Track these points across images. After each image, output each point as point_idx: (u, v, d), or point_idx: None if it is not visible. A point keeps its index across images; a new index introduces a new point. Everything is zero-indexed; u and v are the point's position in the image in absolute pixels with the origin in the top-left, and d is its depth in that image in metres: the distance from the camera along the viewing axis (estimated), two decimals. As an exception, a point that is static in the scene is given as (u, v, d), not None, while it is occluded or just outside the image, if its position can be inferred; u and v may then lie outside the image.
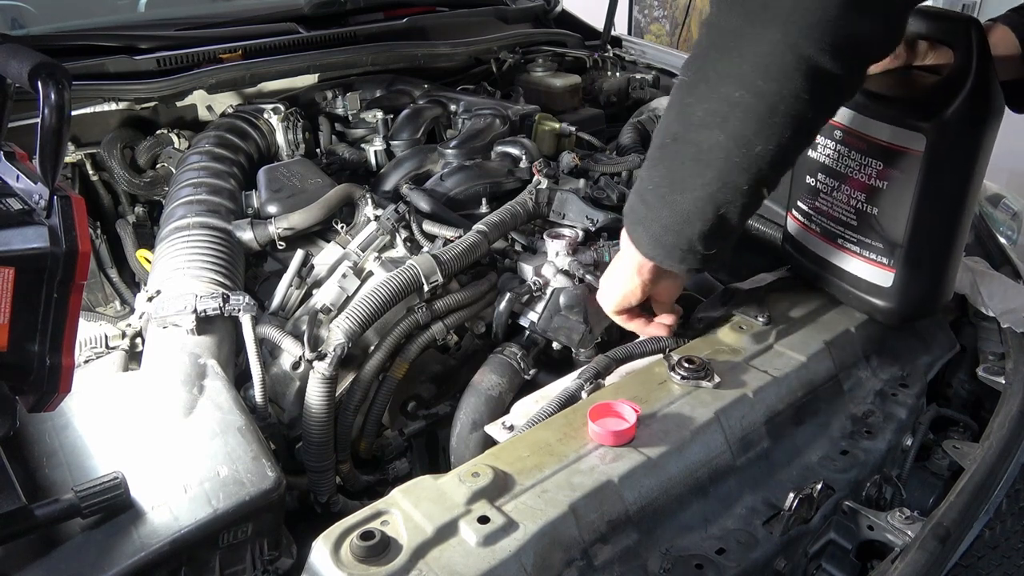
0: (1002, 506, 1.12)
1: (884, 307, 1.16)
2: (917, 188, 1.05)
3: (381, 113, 1.85)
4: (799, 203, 1.24)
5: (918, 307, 1.17)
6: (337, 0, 2.08)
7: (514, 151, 1.66)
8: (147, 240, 1.62)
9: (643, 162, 1.01)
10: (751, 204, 0.93)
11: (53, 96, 0.71)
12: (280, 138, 1.75)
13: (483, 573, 0.77)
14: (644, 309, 1.17)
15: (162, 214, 1.47)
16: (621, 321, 1.17)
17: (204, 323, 1.14)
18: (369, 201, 1.46)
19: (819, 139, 1.15)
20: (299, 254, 1.35)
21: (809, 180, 1.20)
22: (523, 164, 1.63)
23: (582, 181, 1.53)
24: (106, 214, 1.74)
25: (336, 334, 1.18)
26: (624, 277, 1.09)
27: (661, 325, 1.17)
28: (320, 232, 1.49)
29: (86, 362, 1.14)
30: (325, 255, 1.40)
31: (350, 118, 1.91)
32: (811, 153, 1.18)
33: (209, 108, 1.84)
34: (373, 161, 1.79)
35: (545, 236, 1.35)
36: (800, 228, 1.26)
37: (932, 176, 1.03)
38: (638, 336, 1.28)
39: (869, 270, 1.15)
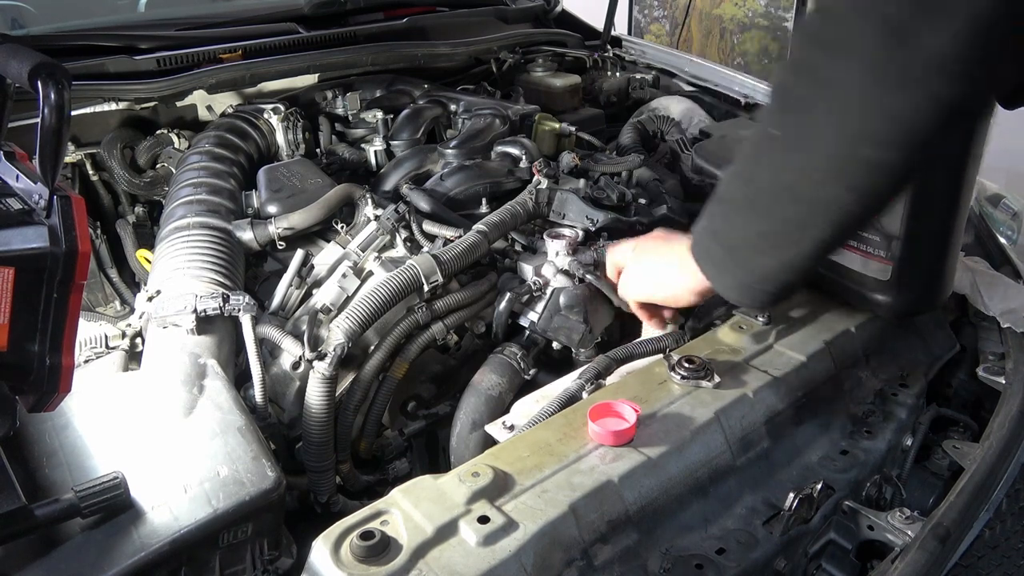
0: (1002, 506, 1.11)
1: (883, 301, 1.16)
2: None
3: (381, 113, 1.85)
4: None
5: (918, 301, 1.17)
6: (337, 0, 2.08)
7: (514, 151, 1.66)
8: (147, 240, 1.62)
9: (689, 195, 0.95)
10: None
11: (53, 96, 0.71)
12: (280, 138, 1.75)
13: (483, 573, 0.77)
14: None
15: (162, 214, 1.47)
16: (640, 312, 1.18)
17: (204, 323, 1.14)
18: (369, 201, 1.46)
19: None
20: (299, 254, 1.35)
21: None
22: (523, 164, 1.63)
23: (582, 181, 1.53)
24: (106, 214, 1.74)
25: (336, 334, 1.18)
26: (677, 287, 1.06)
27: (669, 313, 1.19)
28: (320, 232, 1.49)
29: (86, 362, 1.14)
30: (325, 255, 1.40)
31: (350, 118, 1.91)
32: None
33: (209, 108, 1.84)
34: (373, 161, 1.79)
35: (545, 236, 1.35)
36: None
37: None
38: (638, 334, 1.28)
39: (867, 264, 1.15)
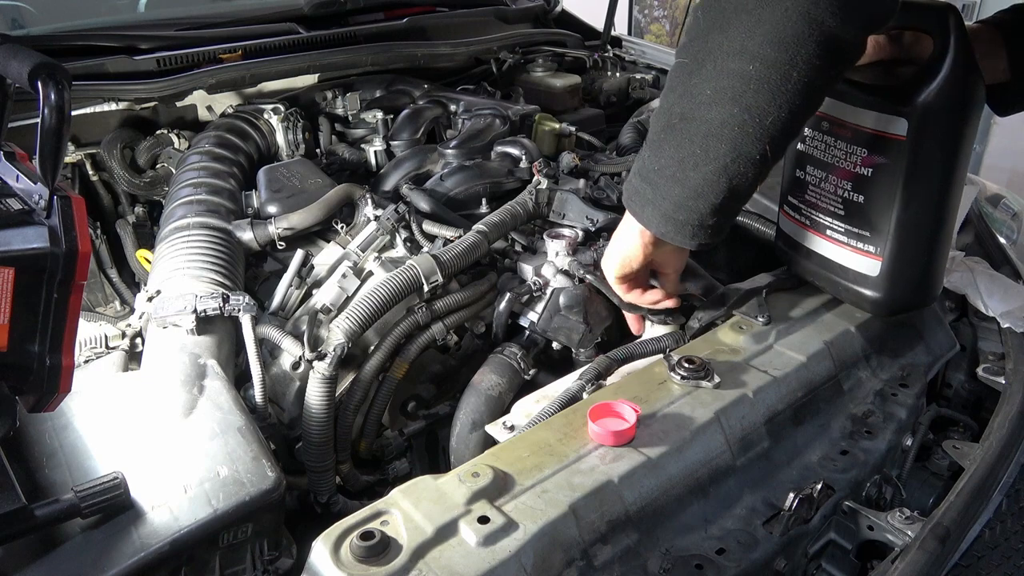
0: (1002, 506, 1.12)
1: (872, 297, 1.16)
2: (902, 173, 1.05)
3: (381, 113, 1.85)
4: (789, 198, 1.24)
5: (908, 297, 1.17)
6: (337, 0, 2.08)
7: (514, 151, 1.66)
8: (147, 240, 1.62)
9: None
10: (761, 173, 0.95)
11: (53, 96, 0.71)
12: (280, 138, 1.75)
13: (483, 573, 0.77)
14: (645, 282, 1.18)
15: (162, 214, 1.47)
16: (622, 291, 1.17)
17: (204, 323, 1.14)
18: (369, 201, 1.46)
19: (806, 131, 1.16)
20: (299, 254, 1.35)
21: (798, 174, 1.20)
22: (523, 164, 1.63)
23: (582, 181, 1.53)
24: (106, 214, 1.74)
25: (336, 334, 1.18)
26: (627, 243, 1.10)
27: (660, 292, 1.17)
28: (320, 232, 1.49)
29: (86, 362, 1.14)
30: (325, 255, 1.40)
31: (350, 118, 1.91)
32: (799, 146, 1.18)
33: (209, 108, 1.84)
34: (373, 161, 1.79)
35: (545, 236, 1.35)
36: (791, 222, 1.26)
37: (916, 160, 1.04)
38: (638, 333, 1.28)
39: (857, 259, 1.15)
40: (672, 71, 0.97)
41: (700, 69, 0.91)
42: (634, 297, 1.18)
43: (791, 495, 0.94)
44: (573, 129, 1.87)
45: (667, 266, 1.15)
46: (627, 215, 1.10)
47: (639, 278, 1.16)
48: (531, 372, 1.28)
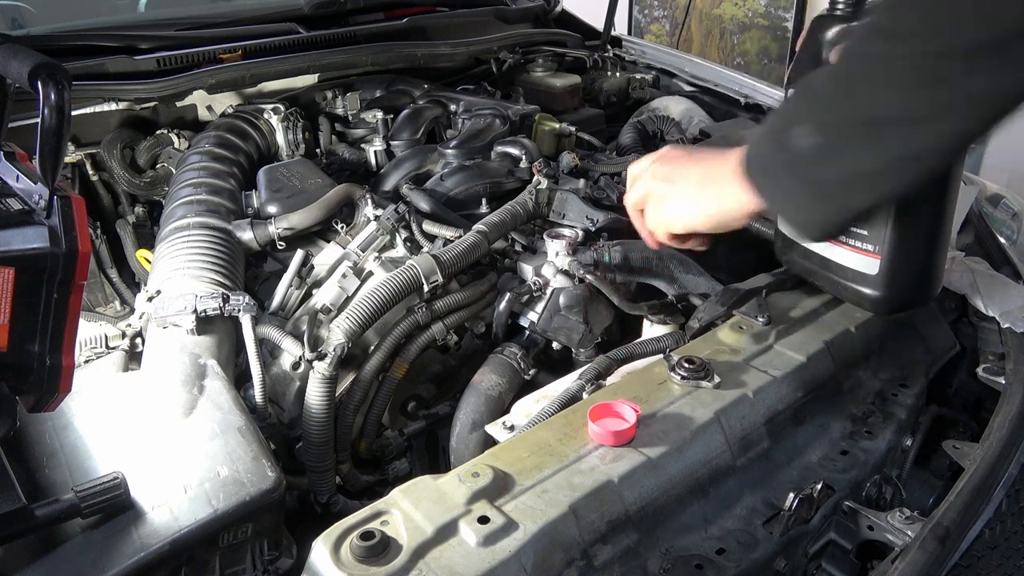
0: (1002, 506, 1.11)
1: (871, 295, 1.15)
2: None
3: (381, 113, 1.85)
4: None
5: (907, 295, 1.16)
6: (337, 0, 2.07)
7: (514, 151, 1.66)
8: (147, 240, 1.62)
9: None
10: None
11: (53, 96, 0.71)
12: (280, 138, 1.75)
13: (483, 573, 0.77)
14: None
15: (162, 214, 1.47)
16: (635, 217, 1.06)
17: (204, 323, 1.14)
18: (369, 201, 1.46)
19: None
20: (299, 254, 1.35)
21: None
22: (523, 164, 1.63)
23: (582, 181, 1.53)
24: (106, 214, 1.74)
25: (336, 334, 1.18)
26: (727, 214, 0.92)
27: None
28: (320, 232, 1.49)
29: (86, 362, 1.14)
30: (325, 255, 1.40)
31: (350, 118, 1.91)
32: None
33: (209, 108, 1.84)
34: (373, 161, 1.79)
35: (545, 236, 1.35)
36: None
37: None
38: (638, 334, 1.28)
39: (855, 258, 1.15)
40: (857, 36, 0.80)
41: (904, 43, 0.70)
42: (639, 224, 1.05)
43: (791, 495, 0.94)
44: (573, 129, 1.87)
45: (699, 240, 1.02)
46: (729, 180, 0.89)
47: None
48: (531, 372, 1.28)
